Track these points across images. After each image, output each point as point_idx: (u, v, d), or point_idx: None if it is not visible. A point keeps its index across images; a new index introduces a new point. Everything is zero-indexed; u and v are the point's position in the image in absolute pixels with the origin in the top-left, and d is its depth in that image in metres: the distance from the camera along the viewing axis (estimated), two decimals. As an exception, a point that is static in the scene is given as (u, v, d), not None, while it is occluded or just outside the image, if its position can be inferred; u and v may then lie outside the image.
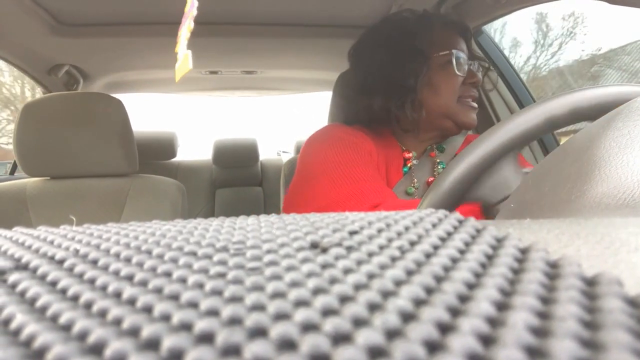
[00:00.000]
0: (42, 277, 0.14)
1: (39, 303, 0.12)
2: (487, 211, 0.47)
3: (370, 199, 0.69)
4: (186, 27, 0.47)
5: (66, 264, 0.15)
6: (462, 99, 0.82)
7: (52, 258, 0.16)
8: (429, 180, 0.83)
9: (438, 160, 0.86)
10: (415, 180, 0.82)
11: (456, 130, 0.84)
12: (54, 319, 0.11)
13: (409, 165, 0.84)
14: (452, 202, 0.44)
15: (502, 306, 0.11)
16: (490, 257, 0.14)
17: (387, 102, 0.82)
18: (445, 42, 0.83)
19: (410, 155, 0.85)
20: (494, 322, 0.10)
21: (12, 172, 1.67)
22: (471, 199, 0.46)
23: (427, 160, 0.85)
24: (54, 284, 0.13)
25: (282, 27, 1.31)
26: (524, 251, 0.15)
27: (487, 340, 0.09)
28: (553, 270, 0.13)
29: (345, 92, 0.91)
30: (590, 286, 0.12)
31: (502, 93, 1.23)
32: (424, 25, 0.84)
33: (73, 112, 1.12)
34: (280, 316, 0.10)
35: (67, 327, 0.10)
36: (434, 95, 0.82)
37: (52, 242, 0.18)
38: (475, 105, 0.84)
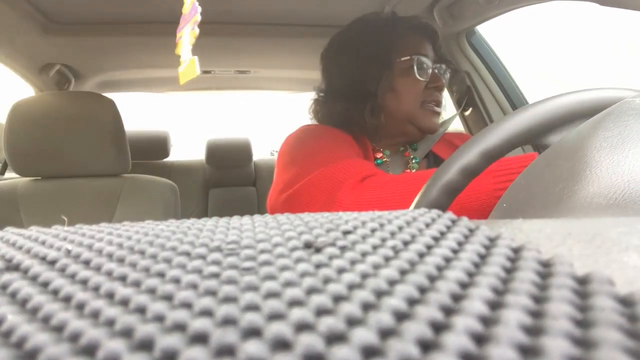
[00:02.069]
0: (34, 278, 0.14)
1: (30, 304, 0.12)
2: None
3: (358, 172, 0.67)
4: (188, 33, 0.47)
5: (58, 265, 0.15)
6: (426, 103, 0.82)
7: (43, 259, 0.16)
8: (405, 172, 0.84)
9: (412, 156, 0.86)
10: (391, 172, 0.83)
11: (419, 134, 0.84)
12: (46, 320, 0.11)
13: (381, 159, 0.84)
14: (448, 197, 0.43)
15: (495, 305, 0.11)
16: (483, 257, 0.14)
17: (348, 106, 0.83)
18: (408, 46, 0.82)
19: (382, 155, 0.85)
20: (487, 321, 0.10)
21: (3, 172, 1.66)
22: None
23: (401, 158, 0.86)
24: (45, 284, 0.13)
25: (275, 27, 1.31)
26: (517, 251, 0.15)
27: (480, 339, 0.09)
28: (545, 270, 0.13)
29: (319, 95, 0.92)
30: (582, 285, 0.12)
31: (495, 94, 1.23)
32: (388, 30, 0.84)
33: (64, 111, 1.11)
34: (275, 316, 0.10)
35: (59, 329, 0.10)
36: (396, 100, 0.82)
37: (43, 243, 0.18)
38: (439, 109, 0.84)
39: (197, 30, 0.46)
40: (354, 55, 0.84)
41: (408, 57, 0.81)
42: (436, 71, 0.83)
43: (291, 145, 0.80)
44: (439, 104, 0.84)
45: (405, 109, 0.82)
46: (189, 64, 0.46)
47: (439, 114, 0.84)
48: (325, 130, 0.82)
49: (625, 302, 0.11)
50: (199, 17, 0.46)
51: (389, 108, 0.82)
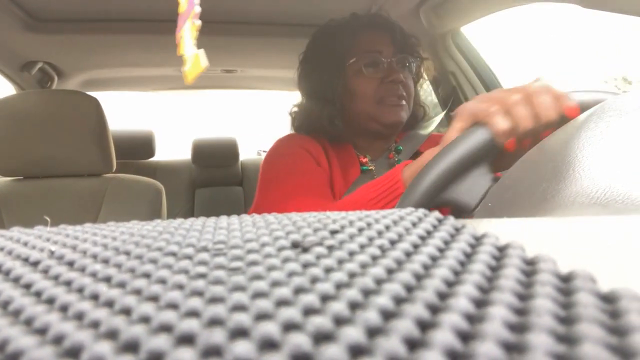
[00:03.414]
0: (16, 280, 0.14)
1: (12, 306, 0.12)
2: (458, 216, 0.47)
3: (283, 207, 0.71)
4: (189, 29, 0.46)
5: (41, 266, 0.15)
6: (384, 99, 0.82)
7: (26, 260, 0.15)
8: None
9: (396, 159, 0.86)
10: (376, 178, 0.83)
11: (386, 130, 0.84)
12: (29, 322, 0.11)
13: (367, 166, 0.85)
14: (427, 202, 0.44)
15: (481, 303, 0.11)
16: (469, 255, 0.14)
17: (313, 116, 0.85)
18: (359, 46, 0.82)
19: (366, 159, 0.86)
20: (472, 319, 0.10)
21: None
22: (442, 203, 0.46)
23: (386, 161, 0.86)
24: (28, 286, 0.13)
25: (262, 26, 1.31)
26: (502, 249, 0.15)
27: (465, 336, 0.09)
28: (529, 268, 0.13)
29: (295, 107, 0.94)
30: (565, 282, 0.12)
31: (480, 93, 1.25)
32: (340, 34, 0.84)
33: (47, 110, 1.09)
34: (262, 316, 0.10)
35: (42, 331, 0.10)
36: (353, 102, 0.83)
37: (26, 244, 0.17)
38: (401, 102, 0.83)
39: (198, 23, 0.46)
40: (311, 65, 0.87)
41: (354, 59, 0.81)
42: (394, 65, 0.82)
43: (263, 164, 0.85)
44: (399, 97, 0.82)
45: (363, 108, 0.82)
46: (193, 60, 0.45)
47: (401, 107, 0.83)
48: (291, 145, 0.85)
49: (607, 299, 0.11)
50: (197, 9, 0.46)
51: (350, 111, 0.83)
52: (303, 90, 0.90)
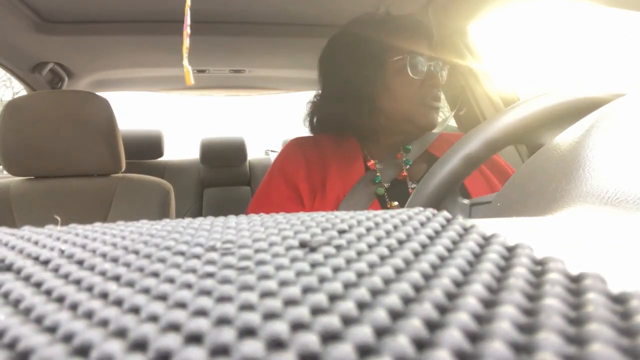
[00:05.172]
0: (27, 279, 0.14)
1: (23, 305, 0.12)
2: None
3: None
4: (184, 41, 0.48)
5: (51, 265, 0.15)
6: (425, 101, 0.82)
7: (36, 259, 0.16)
8: (402, 174, 0.83)
9: (404, 159, 0.85)
10: (383, 181, 0.82)
11: (417, 132, 0.84)
12: (39, 320, 0.11)
13: (372, 169, 0.84)
14: (436, 202, 0.44)
15: (489, 303, 0.11)
16: (477, 255, 0.14)
17: (345, 110, 0.83)
18: (401, 45, 0.82)
19: (372, 162, 0.84)
20: (481, 319, 0.10)
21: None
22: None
23: (393, 161, 0.85)
24: (38, 285, 0.13)
25: (270, 26, 1.31)
26: (510, 249, 0.15)
27: (474, 337, 0.09)
28: (538, 268, 0.13)
29: (314, 99, 0.92)
30: (575, 283, 0.12)
31: (489, 93, 1.24)
32: (381, 30, 0.83)
33: (57, 110, 1.10)
34: (270, 315, 0.10)
35: (52, 329, 0.10)
36: (393, 101, 0.82)
37: (36, 243, 0.17)
38: (437, 105, 0.84)
39: (187, 43, 0.47)
40: (349, 57, 0.84)
41: (400, 57, 0.81)
42: (432, 68, 0.83)
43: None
44: (437, 99, 0.83)
45: (402, 108, 0.82)
46: (186, 71, 0.48)
47: (438, 109, 0.84)
48: (282, 160, 0.86)
49: (617, 300, 0.11)
50: (188, 30, 0.47)
51: (387, 109, 0.82)
52: (332, 84, 0.88)
